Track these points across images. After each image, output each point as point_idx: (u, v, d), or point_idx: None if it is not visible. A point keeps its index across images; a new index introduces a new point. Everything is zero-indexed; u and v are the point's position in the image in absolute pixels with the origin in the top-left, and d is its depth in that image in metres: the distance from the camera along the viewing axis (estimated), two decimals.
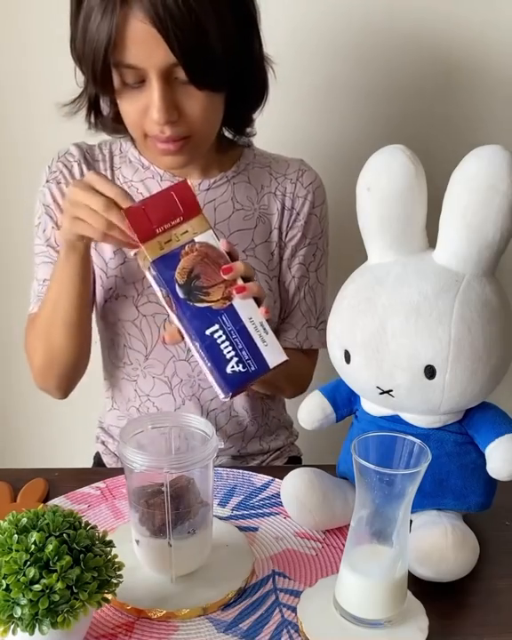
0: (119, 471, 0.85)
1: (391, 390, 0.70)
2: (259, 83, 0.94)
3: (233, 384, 0.75)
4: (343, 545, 0.72)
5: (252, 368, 0.75)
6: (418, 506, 0.70)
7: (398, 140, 0.71)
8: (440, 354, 0.67)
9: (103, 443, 1.13)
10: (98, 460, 1.15)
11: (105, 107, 0.94)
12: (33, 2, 1.19)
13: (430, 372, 0.68)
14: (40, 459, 1.50)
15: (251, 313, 0.76)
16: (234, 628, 0.65)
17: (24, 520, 0.59)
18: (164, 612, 0.66)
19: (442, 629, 0.65)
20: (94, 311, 1.03)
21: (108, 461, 1.12)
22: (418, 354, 0.67)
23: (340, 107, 1.24)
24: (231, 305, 0.76)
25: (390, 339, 0.68)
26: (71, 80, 0.90)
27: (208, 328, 0.75)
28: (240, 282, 0.77)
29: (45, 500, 0.83)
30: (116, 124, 0.94)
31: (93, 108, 0.94)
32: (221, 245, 0.77)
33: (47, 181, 0.99)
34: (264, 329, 0.76)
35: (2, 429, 1.52)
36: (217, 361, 0.74)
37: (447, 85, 1.21)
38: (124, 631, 0.65)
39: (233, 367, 0.75)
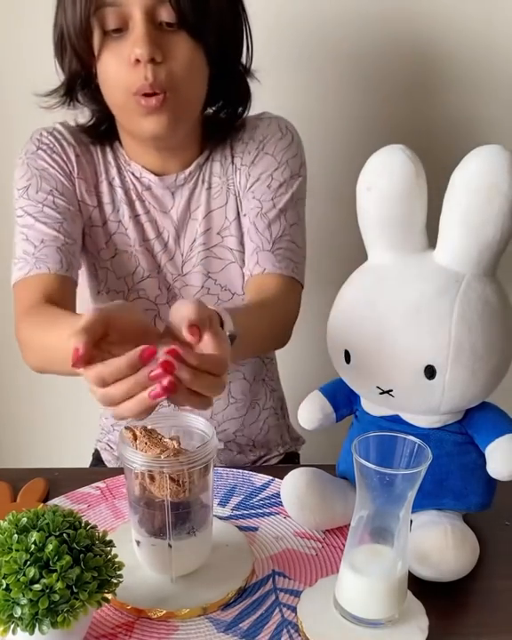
0: (119, 471, 0.85)
1: (391, 390, 0.70)
2: (240, 54, 0.89)
3: None
4: (343, 545, 0.72)
5: None
6: (418, 506, 0.70)
7: (398, 140, 0.71)
8: (440, 354, 0.67)
9: (100, 438, 1.13)
10: (97, 456, 1.15)
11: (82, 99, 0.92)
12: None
13: (430, 372, 0.68)
14: (40, 459, 1.50)
15: None
16: (234, 628, 0.65)
17: (24, 520, 0.58)
18: (164, 611, 0.66)
19: (442, 629, 0.65)
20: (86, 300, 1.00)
21: (107, 458, 1.12)
22: (418, 354, 0.67)
23: (340, 106, 1.24)
24: None
25: (390, 339, 0.68)
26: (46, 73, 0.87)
27: None
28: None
29: (45, 499, 0.83)
30: (95, 104, 0.91)
31: (70, 93, 0.91)
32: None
33: (38, 149, 0.93)
34: None
35: (2, 429, 1.52)
36: None
37: (447, 85, 1.21)
38: (124, 631, 0.65)
39: None
